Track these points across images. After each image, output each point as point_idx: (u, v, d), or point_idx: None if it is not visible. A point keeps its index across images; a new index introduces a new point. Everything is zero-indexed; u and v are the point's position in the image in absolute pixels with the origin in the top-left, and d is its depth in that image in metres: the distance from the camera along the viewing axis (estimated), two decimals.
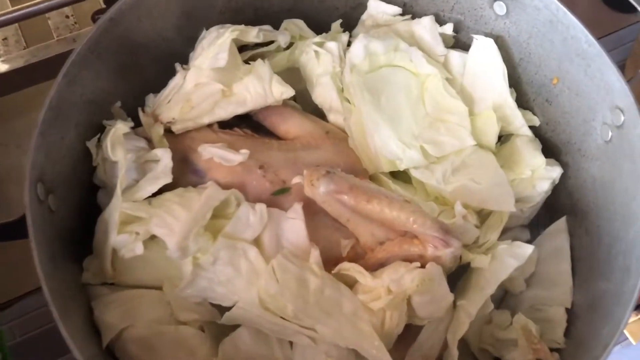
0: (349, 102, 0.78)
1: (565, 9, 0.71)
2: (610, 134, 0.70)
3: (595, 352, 0.59)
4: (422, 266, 0.67)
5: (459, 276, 0.76)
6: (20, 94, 1.02)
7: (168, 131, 0.75)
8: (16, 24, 1.01)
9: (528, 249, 0.71)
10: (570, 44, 0.73)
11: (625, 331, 0.91)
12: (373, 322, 0.65)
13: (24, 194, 0.61)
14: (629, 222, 0.66)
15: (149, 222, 0.65)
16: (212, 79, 0.74)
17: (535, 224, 0.83)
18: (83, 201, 0.74)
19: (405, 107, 0.79)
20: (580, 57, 0.72)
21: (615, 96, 0.69)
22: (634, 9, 1.19)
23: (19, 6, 0.91)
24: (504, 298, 0.81)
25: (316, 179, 0.67)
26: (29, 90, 1.02)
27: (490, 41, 0.80)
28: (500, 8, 0.79)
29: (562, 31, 0.73)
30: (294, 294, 0.64)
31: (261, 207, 0.68)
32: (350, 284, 0.68)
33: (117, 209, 0.66)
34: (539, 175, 0.78)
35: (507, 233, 0.80)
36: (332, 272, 0.68)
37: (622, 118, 0.68)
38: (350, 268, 0.68)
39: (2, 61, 0.97)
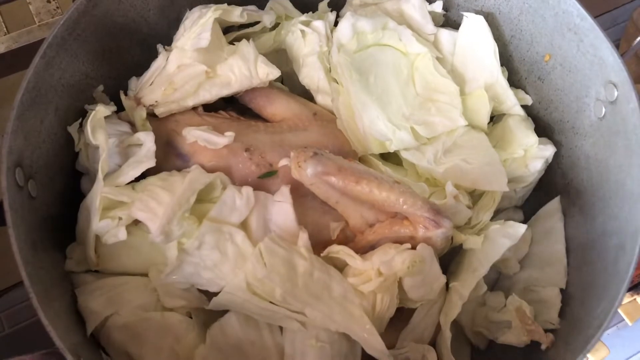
0: (337, 83, 0.76)
1: None
2: (603, 110, 0.69)
3: (589, 331, 0.58)
4: (413, 248, 0.66)
5: (451, 258, 0.75)
6: (2, 82, 1.00)
7: (152, 115, 0.73)
8: None
9: (521, 228, 0.69)
10: (561, 19, 0.71)
11: (620, 312, 0.91)
12: (364, 305, 0.64)
13: (0, 178, 0.59)
14: (623, 200, 0.64)
15: (131, 207, 0.63)
16: (195, 60, 0.72)
17: (529, 205, 0.81)
18: (66, 188, 0.72)
19: (395, 87, 0.78)
20: (572, 32, 0.71)
21: (609, 71, 0.67)
22: None
23: None
24: (497, 280, 0.80)
25: (303, 160, 0.65)
26: (12, 79, 1.01)
27: (481, 18, 0.78)
28: None
29: (553, 5, 0.71)
30: (283, 278, 0.62)
31: (247, 190, 0.67)
32: (340, 267, 0.67)
33: (98, 194, 0.64)
34: (532, 154, 0.76)
35: (500, 214, 0.80)
36: (322, 255, 0.66)
37: (616, 93, 0.66)
38: (339, 251, 0.66)
39: None
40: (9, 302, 0.94)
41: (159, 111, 0.72)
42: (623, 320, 0.93)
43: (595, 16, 1.15)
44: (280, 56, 0.82)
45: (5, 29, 0.98)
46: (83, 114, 0.73)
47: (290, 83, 0.83)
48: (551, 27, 0.73)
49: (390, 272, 0.64)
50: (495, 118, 0.83)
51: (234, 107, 0.78)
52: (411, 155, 0.76)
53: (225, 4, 0.75)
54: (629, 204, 0.63)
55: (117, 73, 0.77)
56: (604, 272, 0.64)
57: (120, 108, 0.75)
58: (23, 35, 0.96)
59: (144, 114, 0.72)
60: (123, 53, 0.77)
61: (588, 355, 0.84)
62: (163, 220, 0.61)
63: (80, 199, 0.70)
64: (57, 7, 1.00)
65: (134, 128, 0.73)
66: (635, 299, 0.90)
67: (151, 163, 0.68)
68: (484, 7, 0.81)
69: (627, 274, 0.57)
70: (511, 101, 0.79)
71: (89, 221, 0.65)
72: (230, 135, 0.69)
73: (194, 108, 0.74)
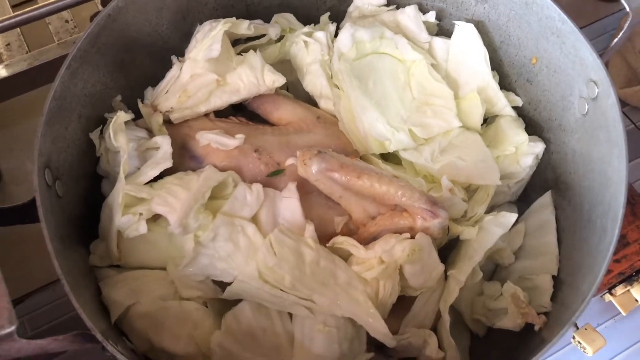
0: (338, 88, 0.81)
1: None
2: (586, 107, 0.74)
3: (574, 306, 0.62)
4: (412, 237, 0.70)
5: (450, 250, 0.79)
6: (23, 99, 1.06)
7: (167, 122, 0.79)
8: (18, 30, 1.05)
9: (512, 217, 0.74)
10: (545, 23, 0.77)
11: (615, 303, 0.94)
12: (367, 291, 0.69)
13: (33, 177, 0.64)
14: (606, 187, 0.69)
15: (151, 203, 0.69)
16: (206, 69, 0.78)
17: (523, 201, 0.86)
18: (88, 190, 0.77)
19: (393, 92, 0.83)
20: (555, 35, 0.76)
21: (589, 70, 0.72)
22: None
23: (20, 11, 0.95)
24: (494, 271, 0.84)
25: (308, 158, 0.70)
26: (31, 96, 1.06)
27: (471, 26, 0.83)
28: None
29: (537, 12, 0.77)
30: (291, 266, 0.67)
31: (257, 186, 0.72)
32: (344, 256, 0.72)
33: (120, 191, 0.69)
34: (523, 151, 0.81)
35: (495, 209, 0.84)
36: (327, 245, 0.71)
37: (597, 90, 0.71)
38: (343, 241, 0.71)
39: (6, 65, 1.00)
40: (30, 307, 0.98)
41: (173, 117, 0.78)
42: (619, 313, 0.96)
43: (586, 25, 1.21)
44: (284, 66, 0.87)
45: (26, 47, 1.04)
46: (103, 122, 0.78)
47: (294, 91, 0.88)
48: (536, 31, 0.79)
49: (391, 260, 0.69)
50: (489, 120, 0.88)
51: (242, 113, 0.84)
52: (409, 155, 0.81)
53: (234, 18, 0.81)
54: (610, 191, 0.67)
55: (133, 84, 0.83)
56: (588, 255, 0.68)
57: (137, 116, 0.81)
58: (43, 53, 1.02)
59: (160, 119, 0.77)
60: (138, 65, 0.83)
61: (586, 345, 0.89)
62: (181, 213, 0.66)
63: (101, 201, 0.75)
64: (75, 27, 1.06)
65: (151, 134, 0.79)
66: (628, 290, 0.93)
67: (168, 164, 0.74)
68: (474, 15, 0.86)
69: (608, 253, 0.62)
70: (502, 103, 0.85)
71: (112, 218, 0.71)
72: (240, 137, 0.75)
73: (206, 114, 0.79)
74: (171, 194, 0.69)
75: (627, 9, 0.70)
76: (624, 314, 0.94)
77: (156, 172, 0.73)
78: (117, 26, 0.77)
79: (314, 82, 0.83)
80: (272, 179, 0.75)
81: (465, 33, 0.84)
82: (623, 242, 0.90)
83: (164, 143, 0.75)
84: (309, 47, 0.83)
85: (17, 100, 1.07)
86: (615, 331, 0.98)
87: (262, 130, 0.79)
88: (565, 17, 0.73)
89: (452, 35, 0.86)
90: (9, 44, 1.04)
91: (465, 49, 0.85)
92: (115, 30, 0.77)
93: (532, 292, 0.76)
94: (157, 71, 0.84)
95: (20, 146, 1.09)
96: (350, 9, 0.91)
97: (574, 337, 0.91)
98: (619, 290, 0.92)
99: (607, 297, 0.93)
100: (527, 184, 0.85)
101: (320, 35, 0.83)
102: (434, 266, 0.71)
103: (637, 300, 0.92)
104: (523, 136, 0.82)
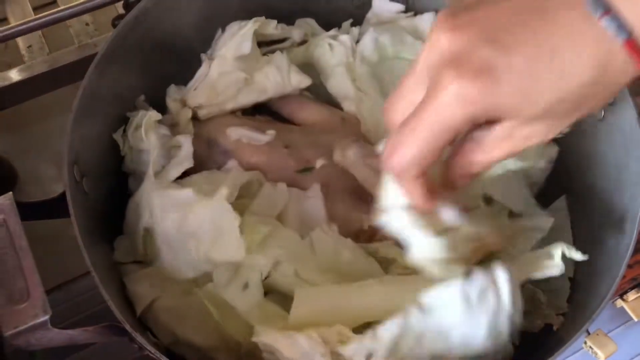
0: (361, 91, 0.83)
1: None
2: (602, 111, 0.75)
3: (592, 307, 0.63)
4: None
5: None
6: (40, 100, 1.07)
7: (194, 118, 0.81)
8: (40, 33, 1.06)
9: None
10: None
11: (627, 309, 0.95)
12: None
13: (62, 172, 0.65)
14: (622, 191, 0.71)
15: None
16: (235, 67, 0.79)
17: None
18: (112, 189, 0.78)
19: None
20: None
21: None
22: None
23: (42, 14, 0.97)
24: None
25: (347, 145, 0.73)
26: (47, 98, 1.08)
27: None
28: None
29: None
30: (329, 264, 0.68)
31: (282, 186, 0.74)
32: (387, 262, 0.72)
33: (149, 190, 0.71)
34: (537, 153, 0.82)
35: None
36: (370, 249, 0.72)
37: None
38: (389, 249, 0.71)
39: (28, 66, 1.02)
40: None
41: (202, 113, 0.80)
42: (631, 319, 0.97)
43: None
44: (306, 70, 0.88)
45: (47, 49, 1.06)
46: (125, 121, 0.80)
47: (316, 95, 0.89)
48: None
49: None
50: None
51: (266, 114, 0.85)
52: None
53: (263, 17, 0.83)
54: (628, 193, 0.69)
55: (156, 84, 0.84)
56: (607, 257, 0.70)
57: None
58: (64, 55, 1.04)
59: (189, 114, 0.79)
60: (161, 66, 0.84)
61: (597, 351, 0.90)
62: None
63: (123, 200, 0.77)
64: (95, 30, 1.08)
65: (173, 131, 0.80)
66: None
67: (189, 164, 0.75)
68: None
69: (627, 253, 0.63)
70: None
71: (138, 215, 0.72)
72: (272, 133, 0.76)
73: (233, 112, 0.81)
74: (200, 191, 0.70)
75: None
76: (635, 319, 0.95)
77: (179, 172, 0.74)
78: (143, 28, 0.79)
79: (339, 83, 0.85)
80: (299, 177, 0.76)
81: None
82: (636, 247, 0.91)
83: (185, 143, 0.77)
84: (333, 49, 0.85)
85: (34, 101, 1.08)
86: (627, 337, 0.99)
87: (290, 128, 0.81)
88: None
89: None
90: (30, 46, 1.06)
91: None
92: (140, 32, 0.79)
93: (550, 295, 0.77)
94: (176, 73, 0.85)
95: (36, 147, 1.11)
96: (369, 15, 0.93)
97: (585, 342, 0.92)
98: (631, 295, 0.93)
99: (619, 302, 0.94)
100: (542, 189, 0.86)
101: (345, 38, 0.85)
102: None
103: None
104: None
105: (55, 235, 0.89)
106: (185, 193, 0.70)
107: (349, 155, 0.72)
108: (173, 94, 0.83)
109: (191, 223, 0.69)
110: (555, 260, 0.65)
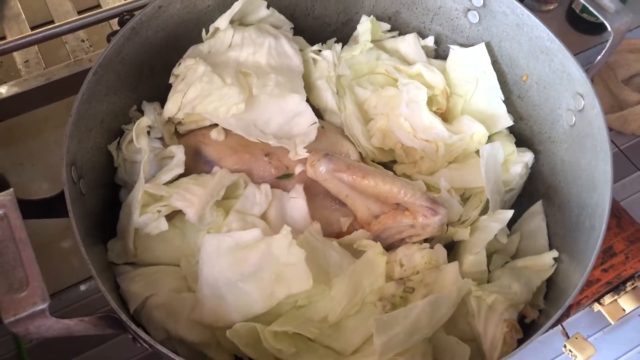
0: (341, 101, 0.88)
1: (528, 12, 0.82)
2: (574, 118, 0.80)
3: (567, 294, 0.66)
4: (415, 236, 0.75)
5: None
6: (35, 114, 1.10)
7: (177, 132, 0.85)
8: (36, 48, 1.10)
9: (508, 213, 0.79)
10: (535, 43, 0.83)
11: (604, 313, 0.98)
12: None
13: (61, 172, 0.68)
14: (593, 190, 0.74)
15: (170, 199, 0.73)
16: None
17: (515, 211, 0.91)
18: (105, 195, 0.82)
19: None
20: (544, 54, 0.82)
21: (576, 84, 0.78)
22: (599, 31, 1.32)
23: (39, 30, 1.01)
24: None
25: (317, 159, 0.76)
26: (43, 112, 1.11)
27: (482, 46, 0.89)
28: (473, 16, 0.90)
29: (527, 32, 0.84)
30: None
31: (266, 186, 0.77)
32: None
33: (140, 190, 0.74)
34: (512, 160, 0.87)
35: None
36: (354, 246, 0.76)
37: (583, 102, 0.77)
38: (367, 244, 0.76)
39: (25, 80, 1.05)
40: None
41: (181, 129, 0.84)
42: (609, 324, 1.00)
43: None
44: None
45: (44, 64, 1.09)
46: (120, 134, 0.83)
47: None
48: (527, 50, 0.85)
49: (410, 265, 0.73)
50: None
51: None
52: (405, 168, 0.88)
53: None
54: (597, 192, 0.73)
55: (150, 95, 0.88)
56: (580, 253, 0.73)
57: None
58: (60, 70, 1.07)
59: (172, 129, 0.83)
60: (153, 76, 0.88)
61: (577, 354, 0.93)
62: (199, 205, 0.71)
63: (116, 206, 0.80)
64: (90, 46, 1.12)
65: (164, 143, 0.84)
66: (616, 300, 0.98)
67: (181, 170, 0.79)
68: (469, 38, 0.93)
69: (596, 246, 0.67)
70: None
71: (130, 217, 0.75)
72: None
73: (213, 125, 0.84)
74: (188, 191, 0.73)
75: (609, 28, 0.77)
76: (612, 322, 0.98)
77: (169, 177, 0.78)
78: (139, 39, 0.83)
79: (320, 96, 0.89)
80: (280, 181, 0.80)
81: (458, 56, 0.91)
82: (610, 252, 0.95)
83: (178, 151, 0.80)
84: (317, 63, 0.90)
85: (29, 115, 1.11)
86: (605, 342, 1.02)
87: None
88: (554, 37, 0.80)
89: (447, 59, 0.92)
90: (27, 61, 1.09)
91: (459, 70, 0.92)
92: (137, 43, 0.83)
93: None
94: (169, 84, 0.88)
95: (31, 161, 1.13)
96: (355, 33, 0.97)
97: (565, 346, 0.95)
98: (607, 299, 0.96)
99: (596, 306, 0.97)
100: (519, 194, 0.91)
101: (327, 53, 0.90)
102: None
103: (624, 310, 0.97)
104: (511, 147, 0.88)
105: (48, 243, 0.91)
106: (252, 233, 0.71)
107: (319, 173, 0.76)
108: (145, 110, 0.85)
109: (250, 264, 0.70)
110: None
